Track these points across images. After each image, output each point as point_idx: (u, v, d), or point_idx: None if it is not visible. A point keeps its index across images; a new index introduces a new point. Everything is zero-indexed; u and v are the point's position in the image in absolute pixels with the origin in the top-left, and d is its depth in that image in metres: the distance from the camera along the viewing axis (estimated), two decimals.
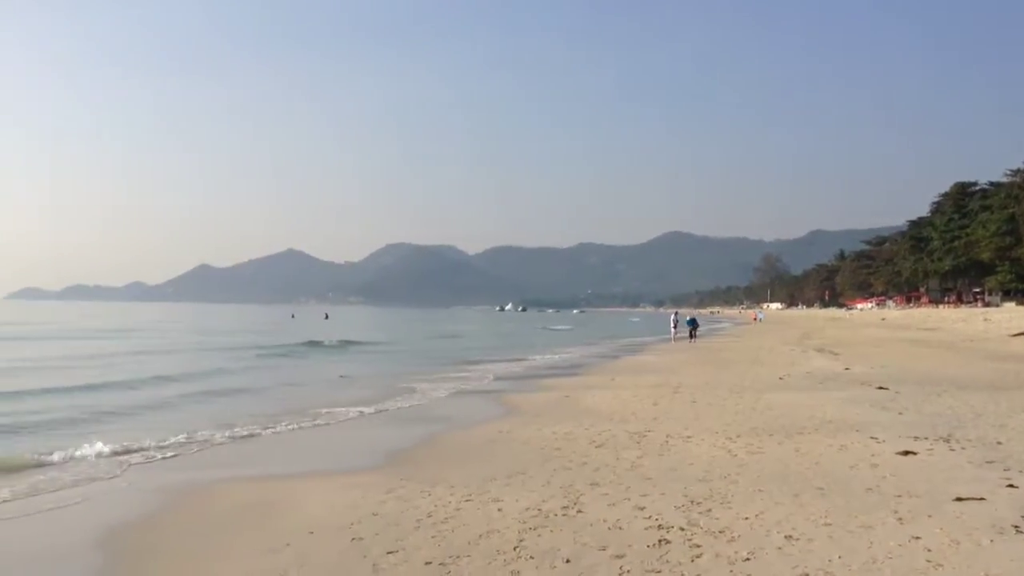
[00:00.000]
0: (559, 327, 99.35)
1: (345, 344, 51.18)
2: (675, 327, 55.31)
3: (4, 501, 10.20)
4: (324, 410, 18.55)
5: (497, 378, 27.82)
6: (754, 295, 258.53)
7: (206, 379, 27.10)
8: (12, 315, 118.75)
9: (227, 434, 15.25)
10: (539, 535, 7.82)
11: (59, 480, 11.41)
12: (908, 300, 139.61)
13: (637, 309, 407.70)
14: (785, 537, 7.51)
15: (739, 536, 7.59)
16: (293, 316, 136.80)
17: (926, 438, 12.55)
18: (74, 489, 10.96)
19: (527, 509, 8.79)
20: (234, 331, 75.17)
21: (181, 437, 14.68)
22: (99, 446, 13.37)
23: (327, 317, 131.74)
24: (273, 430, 15.89)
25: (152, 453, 13.43)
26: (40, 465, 12.38)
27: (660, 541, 7.50)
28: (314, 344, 50.01)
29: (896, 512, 8.23)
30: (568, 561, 7.05)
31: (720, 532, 7.73)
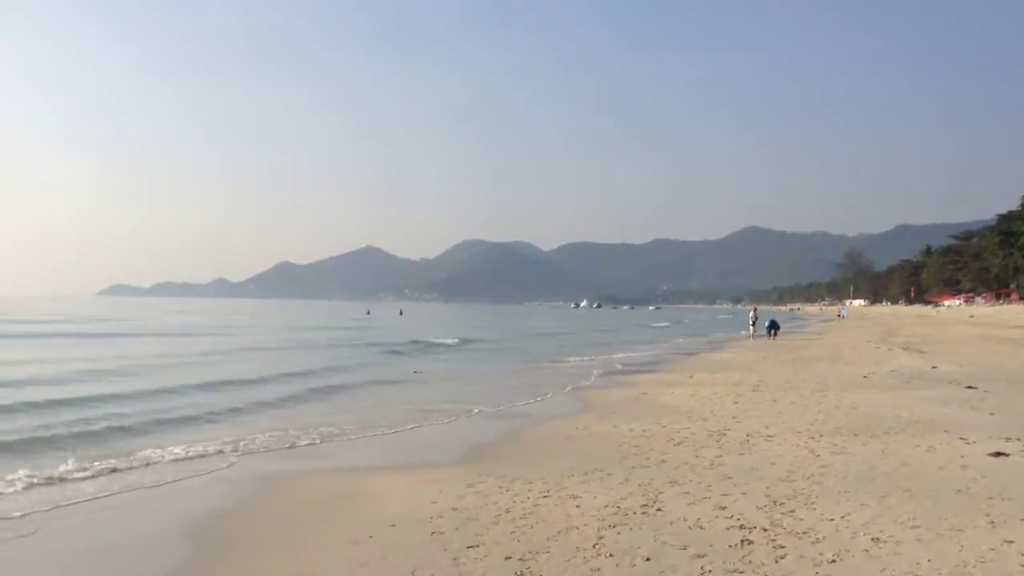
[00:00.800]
0: (658, 324, 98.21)
1: (465, 342, 50.08)
2: (754, 325, 54.41)
3: (107, 494, 10.63)
4: (443, 406, 18.84)
5: (578, 373, 27.79)
6: (836, 291, 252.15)
7: (330, 375, 26.97)
8: (118, 312, 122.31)
9: (329, 430, 15.53)
10: (618, 533, 7.80)
11: (158, 473, 11.87)
12: (998, 297, 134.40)
13: (714, 306, 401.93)
14: (872, 539, 7.34)
15: (824, 537, 7.44)
16: (368, 312, 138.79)
17: (1018, 439, 12.10)
18: (174, 483, 11.37)
19: (606, 506, 8.78)
20: (335, 327, 75.10)
21: (293, 431, 15.15)
22: (205, 442, 13.82)
23: (401, 313, 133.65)
24: (370, 430, 16.16)
25: (256, 446, 13.83)
26: (148, 463, 12.78)
27: (742, 541, 7.41)
28: (425, 344, 47.11)
29: (988, 515, 7.97)
30: (648, 560, 7.01)
31: (804, 533, 7.59)
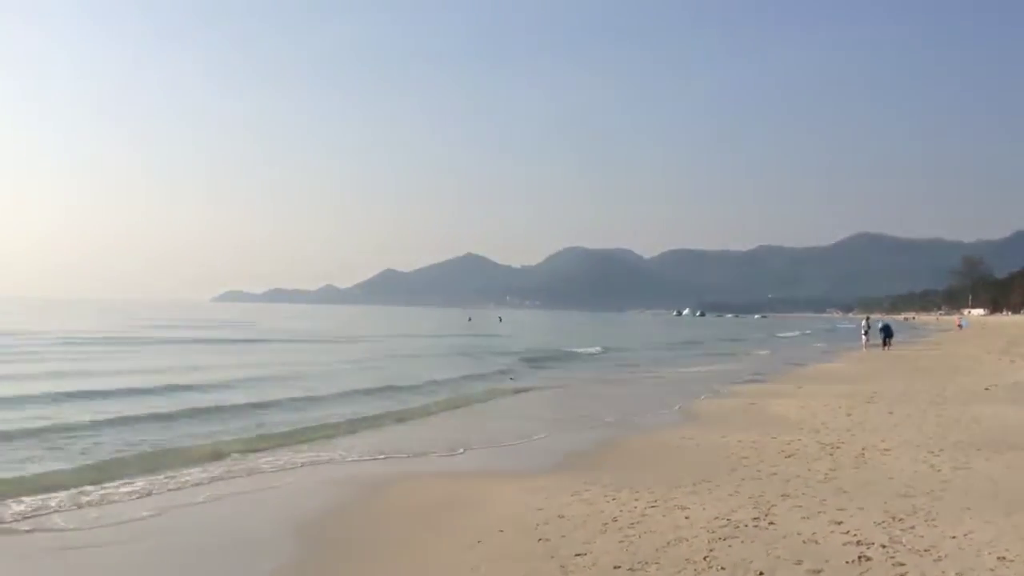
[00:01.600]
0: (787, 334, 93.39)
1: (607, 350, 49.54)
2: (866, 334, 52.62)
3: (212, 497, 11.06)
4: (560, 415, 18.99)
5: (681, 381, 27.46)
6: (953, 300, 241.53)
7: (467, 384, 26.93)
8: (240, 316, 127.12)
9: (452, 436, 15.81)
10: (729, 546, 7.67)
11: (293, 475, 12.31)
12: None
13: (823, 315, 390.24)
14: (998, 559, 7.01)
15: (946, 555, 7.15)
16: (470, 319, 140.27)
17: None
18: (291, 484, 11.76)
19: (716, 518, 8.64)
20: (461, 334, 75.33)
21: (413, 438, 15.66)
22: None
23: (500, 320, 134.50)
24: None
25: (369, 451, 14.21)
26: (253, 472, 13.26)
27: (860, 558, 7.18)
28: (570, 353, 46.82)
29: None
30: (761, 574, 6.87)
31: (925, 551, 7.31)
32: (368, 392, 23.07)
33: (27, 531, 8.98)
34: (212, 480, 11.64)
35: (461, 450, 14.34)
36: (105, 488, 10.82)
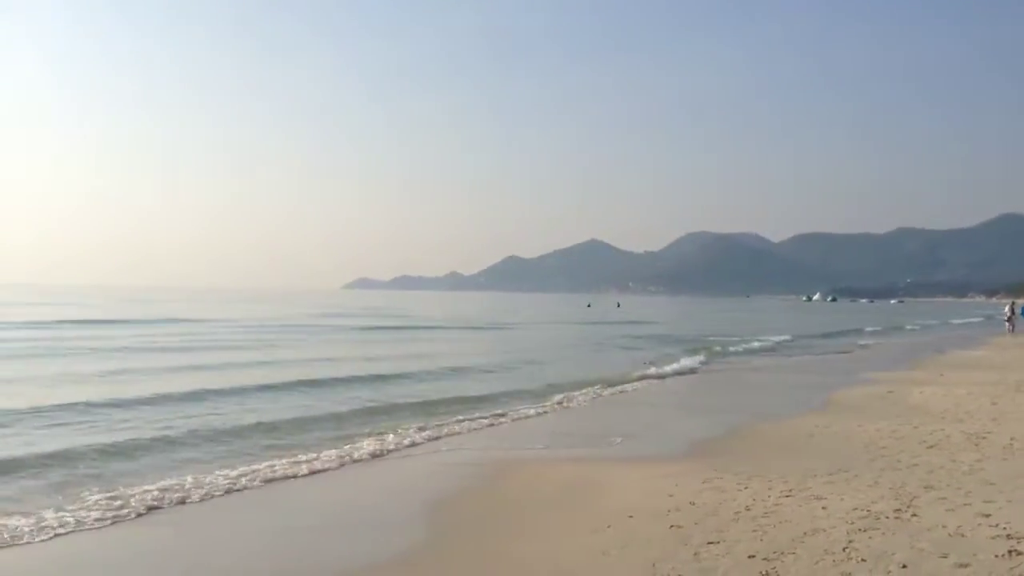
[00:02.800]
0: (962, 320, 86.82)
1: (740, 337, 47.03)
2: (1010, 320, 49.81)
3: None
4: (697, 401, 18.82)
5: (815, 368, 26.69)
6: None
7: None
8: (390, 304, 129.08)
9: (591, 425, 15.92)
10: (870, 537, 7.43)
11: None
12: None
13: (964, 300, 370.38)
14: None
15: None
16: (589, 305, 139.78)
17: None
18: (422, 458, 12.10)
19: (854, 509, 8.38)
20: (611, 322, 73.43)
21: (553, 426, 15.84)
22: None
23: (619, 306, 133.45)
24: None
25: (506, 436, 14.53)
26: (389, 450, 13.69)
27: (1011, 552, 6.84)
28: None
29: None
30: (905, 567, 6.63)
31: None
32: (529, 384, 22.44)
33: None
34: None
35: (593, 436, 14.39)
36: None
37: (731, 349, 37.43)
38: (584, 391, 20.45)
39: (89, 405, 16.54)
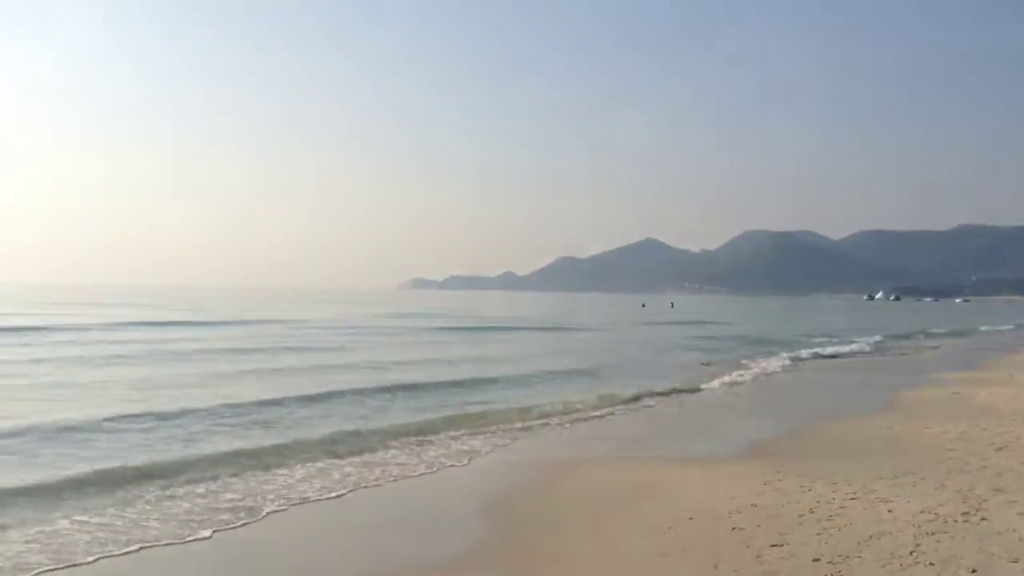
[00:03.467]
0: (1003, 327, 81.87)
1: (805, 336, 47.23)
2: None
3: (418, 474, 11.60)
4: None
5: (881, 368, 26.20)
6: None
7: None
8: (455, 304, 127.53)
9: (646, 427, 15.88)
10: (937, 541, 7.31)
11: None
12: None
13: None
14: None
15: None
16: (644, 305, 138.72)
17: None
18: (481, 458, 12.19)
19: (921, 512, 8.24)
20: (691, 322, 70.91)
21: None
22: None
23: (672, 306, 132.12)
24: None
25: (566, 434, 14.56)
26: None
27: None
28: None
29: None
30: (974, 571, 6.51)
31: None
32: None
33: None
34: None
35: (658, 437, 14.35)
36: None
37: (797, 350, 36.57)
38: (657, 392, 20.30)
39: (297, 399, 17.65)
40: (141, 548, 7.90)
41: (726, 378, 24.25)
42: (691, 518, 8.52)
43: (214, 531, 8.47)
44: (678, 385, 21.94)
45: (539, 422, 15.86)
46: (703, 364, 28.64)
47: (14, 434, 13.08)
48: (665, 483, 10.34)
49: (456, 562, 7.59)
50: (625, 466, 11.62)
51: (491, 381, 22.42)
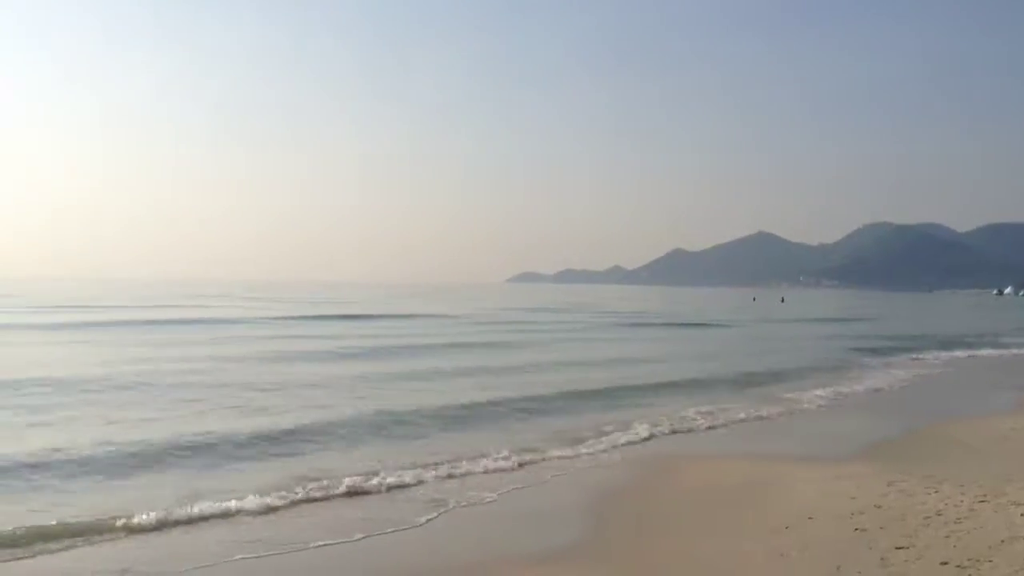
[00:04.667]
0: None
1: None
2: None
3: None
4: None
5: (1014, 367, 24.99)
6: None
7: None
8: (585, 299, 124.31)
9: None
10: None
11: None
12: None
13: None
14: None
15: None
16: (755, 299, 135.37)
17: None
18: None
19: None
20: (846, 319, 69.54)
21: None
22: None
23: (783, 301, 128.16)
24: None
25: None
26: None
27: None
28: None
29: None
30: None
31: None
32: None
33: None
34: None
35: (761, 434, 14.13)
36: None
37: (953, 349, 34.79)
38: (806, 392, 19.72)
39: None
40: None
41: (876, 379, 23.08)
42: (810, 518, 8.36)
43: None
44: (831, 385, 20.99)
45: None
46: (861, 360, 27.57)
47: None
48: (781, 481, 10.17)
49: (573, 555, 7.67)
50: (740, 463, 11.48)
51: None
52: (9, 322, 41.68)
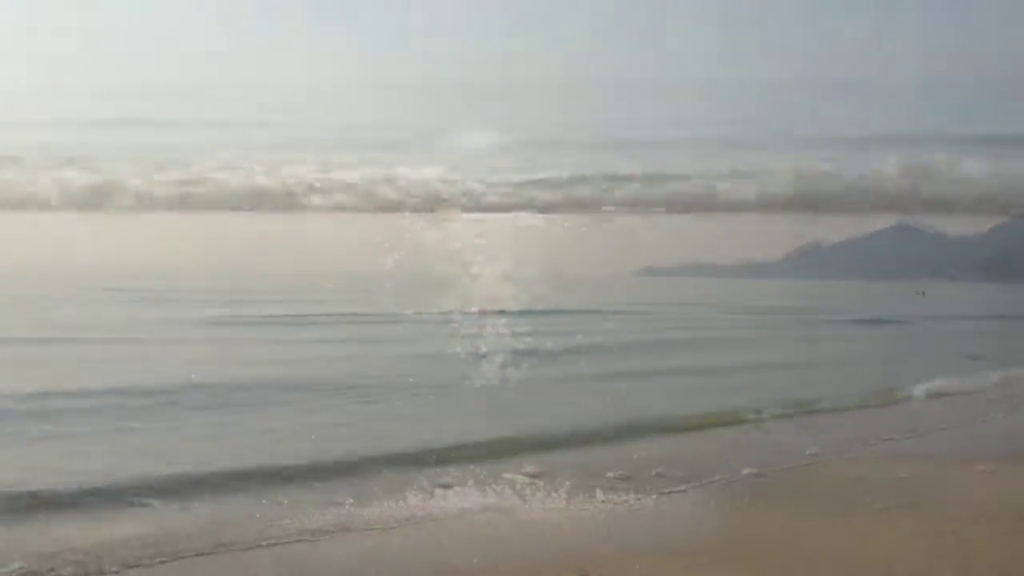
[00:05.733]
0: None
1: None
2: None
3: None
4: None
5: None
6: None
7: None
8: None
9: None
10: None
11: None
12: None
13: None
14: None
15: None
16: (924, 293, 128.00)
17: None
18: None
19: None
20: None
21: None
22: None
23: (924, 294, 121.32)
24: None
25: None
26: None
27: None
28: None
29: None
30: None
31: None
32: None
33: None
34: None
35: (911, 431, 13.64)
36: None
37: None
38: None
39: None
40: None
41: None
42: (977, 521, 8.07)
43: None
44: None
45: None
46: None
47: None
48: (941, 480, 9.94)
49: (726, 550, 7.59)
50: (894, 463, 11.18)
51: None
52: None
